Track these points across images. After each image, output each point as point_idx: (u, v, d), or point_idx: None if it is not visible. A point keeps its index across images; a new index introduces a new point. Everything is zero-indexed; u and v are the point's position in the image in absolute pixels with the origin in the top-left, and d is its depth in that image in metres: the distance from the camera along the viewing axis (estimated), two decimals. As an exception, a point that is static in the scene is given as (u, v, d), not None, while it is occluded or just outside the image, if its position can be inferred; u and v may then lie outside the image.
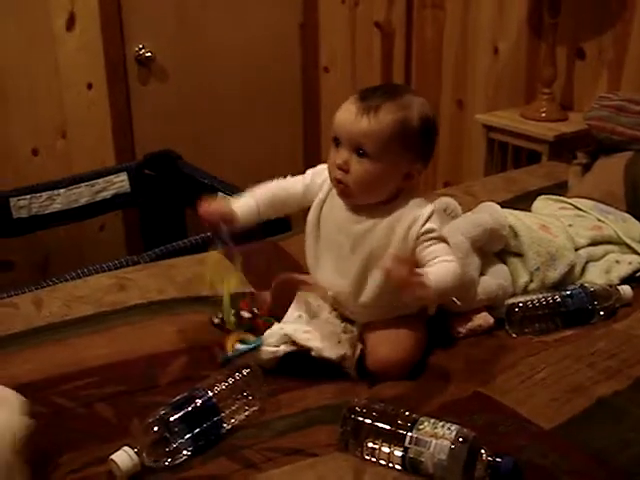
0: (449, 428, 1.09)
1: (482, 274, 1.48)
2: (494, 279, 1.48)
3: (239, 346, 1.33)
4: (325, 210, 1.39)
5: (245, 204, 1.42)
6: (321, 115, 3.17)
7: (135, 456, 1.06)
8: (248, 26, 2.88)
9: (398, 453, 1.10)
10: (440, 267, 1.27)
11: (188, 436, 1.10)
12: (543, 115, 2.62)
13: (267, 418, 1.21)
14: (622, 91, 2.41)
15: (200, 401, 1.13)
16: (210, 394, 1.15)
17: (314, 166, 1.43)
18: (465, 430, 1.09)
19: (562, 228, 1.60)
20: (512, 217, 1.53)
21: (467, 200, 1.90)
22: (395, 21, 3.22)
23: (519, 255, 1.51)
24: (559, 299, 1.47)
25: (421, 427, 1.10)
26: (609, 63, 2.56)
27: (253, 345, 1.31)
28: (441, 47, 3.16)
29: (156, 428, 1.09)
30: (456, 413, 1.20)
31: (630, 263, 1.61)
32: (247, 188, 1.44)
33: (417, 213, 1.30)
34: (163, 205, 2.53)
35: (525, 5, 2.79)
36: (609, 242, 1.66)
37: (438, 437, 1.08)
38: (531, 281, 1.50)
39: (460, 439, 1.07)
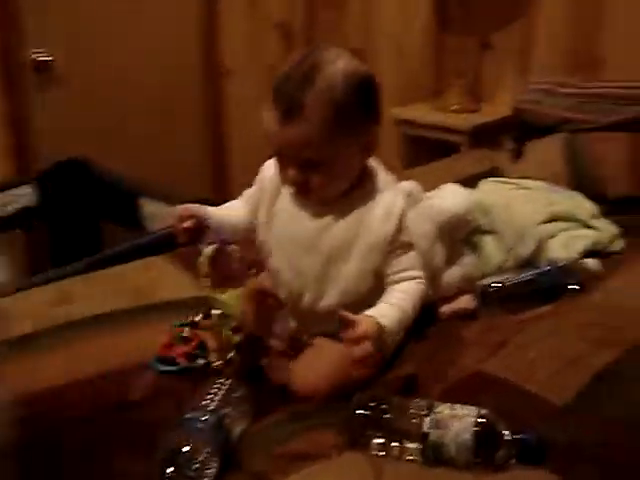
0: (468, 408, 1.04)
1: (449, 263, 1.42)
2: (460, 269, 1.43)
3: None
4: (278, 204, 1.23)
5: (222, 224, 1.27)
6: (226, 113, 3.10)
7: None
8: (148, 26, 2.74)
9: (414, 445, 1.02)
10: (402, 296, 1.16)
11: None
12: (457, 107, 2.65)
13: (265, 426, 1.10)
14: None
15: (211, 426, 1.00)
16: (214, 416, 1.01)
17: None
18: (484, 410, 1.04)
19: (522, 205, 1.58)
20: (481, 194, 1.50)
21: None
22: (296, 22, 3.16)
23: (492, 233, 1.48)
24: (532, 277, 1.45)
25: (438, 410, 1.04)
26: (516, 53, 2.62)
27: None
28: (344, 47, 3.13)
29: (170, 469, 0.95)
30: (461, 395, 1.14)
31: (586, 237, 1.62)
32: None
33: (389, 203, 1.17)
34: (75, 218, 2.32)
35: (429, -1, 2.81)
36: (562, 219, 1.66)
37: (459, 418, 1.02)
38: (506, 260, 1.47)
39: (482, 418, 1.02)
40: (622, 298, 1.44)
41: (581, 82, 2.04)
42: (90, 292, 1.46)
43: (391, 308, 1.16)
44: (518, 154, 2.08)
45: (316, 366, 1.19)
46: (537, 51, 2.53)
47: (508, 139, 2.18)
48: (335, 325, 1.11)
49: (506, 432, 1.02)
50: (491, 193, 1.71)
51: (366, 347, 1.08)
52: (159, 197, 2.05)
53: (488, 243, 1.48)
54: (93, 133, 2.57)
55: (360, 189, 1.19)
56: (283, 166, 1.15)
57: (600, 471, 0.99)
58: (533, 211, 1.61)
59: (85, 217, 2.32)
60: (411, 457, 1.03)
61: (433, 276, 1.37)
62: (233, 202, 1.33)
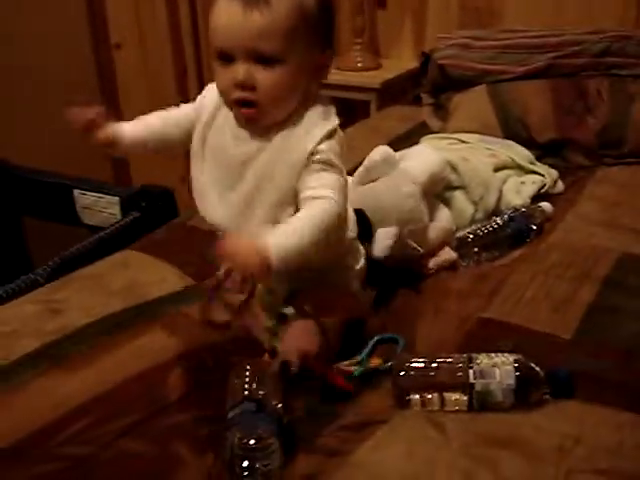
0: (503, 355, 1.13)
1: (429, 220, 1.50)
2: (439, 224, 1.51)
3: None
4: (210, 134, 1.16)
5: (133, 131, 1.17)
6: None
7: None
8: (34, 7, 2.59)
9: (457, 396, 1.10)
10: (304, 216, 1.06)
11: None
12: (360, 65, 2.68)
13: (305, 402, 1.12)
14: (427, 39, 2.57)
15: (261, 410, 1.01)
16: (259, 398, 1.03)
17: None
18: (517, 355, 1.13)
19: (476, 158, 1.68)
20: (446, 152, 1.58)
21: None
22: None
23: (460, 188, 1.56)
24: (502, 223, 1.56)
25: (478, 361, 1.12)
26: (411, 11, 2.69)
27: None
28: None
29: (246, 463, 0.95)
30: (478, 344, 1.22)
31: (534, 182, 1.75)
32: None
33: (314, 128, 1.09)
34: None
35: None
36: (506, 167, 1.77)
37: (499, 365, 1.11)
38: (476, 211, 1.56)
39: (519, 362, 1.11)
40: (578, 236, 1.58)
41: (493, 35, 2.14)
42: (77, 299, 1.39)
43: (287, 234, 1.05)
44: (436, 108, 2.17)
45: (296, 335, 1.18)
46: (432, 7, 2.62)
47: (426, 94, 2.25)
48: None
49: (539, 370, 1.12)
50: (441, 150, 1.80)
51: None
52: (93, 189, 1.98)
53: (458, 197, 1.56)
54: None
55: (297, 114, 1.11)
56: (230, 65, 1.06)
57: (625, 394, 1.11)
58: (484, 162, 1.71)
59: (5, 214, 2.18)
60: (456, 407, 1.11)
61: (422, 233, 1.45)
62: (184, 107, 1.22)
